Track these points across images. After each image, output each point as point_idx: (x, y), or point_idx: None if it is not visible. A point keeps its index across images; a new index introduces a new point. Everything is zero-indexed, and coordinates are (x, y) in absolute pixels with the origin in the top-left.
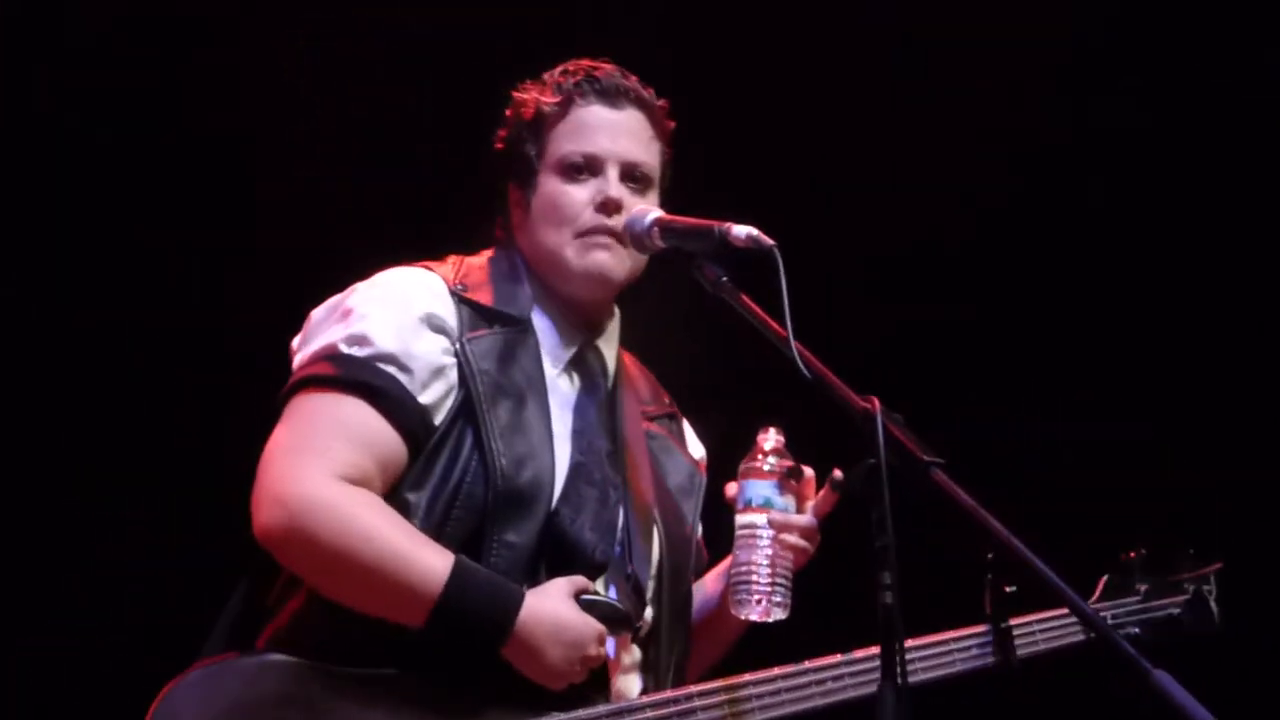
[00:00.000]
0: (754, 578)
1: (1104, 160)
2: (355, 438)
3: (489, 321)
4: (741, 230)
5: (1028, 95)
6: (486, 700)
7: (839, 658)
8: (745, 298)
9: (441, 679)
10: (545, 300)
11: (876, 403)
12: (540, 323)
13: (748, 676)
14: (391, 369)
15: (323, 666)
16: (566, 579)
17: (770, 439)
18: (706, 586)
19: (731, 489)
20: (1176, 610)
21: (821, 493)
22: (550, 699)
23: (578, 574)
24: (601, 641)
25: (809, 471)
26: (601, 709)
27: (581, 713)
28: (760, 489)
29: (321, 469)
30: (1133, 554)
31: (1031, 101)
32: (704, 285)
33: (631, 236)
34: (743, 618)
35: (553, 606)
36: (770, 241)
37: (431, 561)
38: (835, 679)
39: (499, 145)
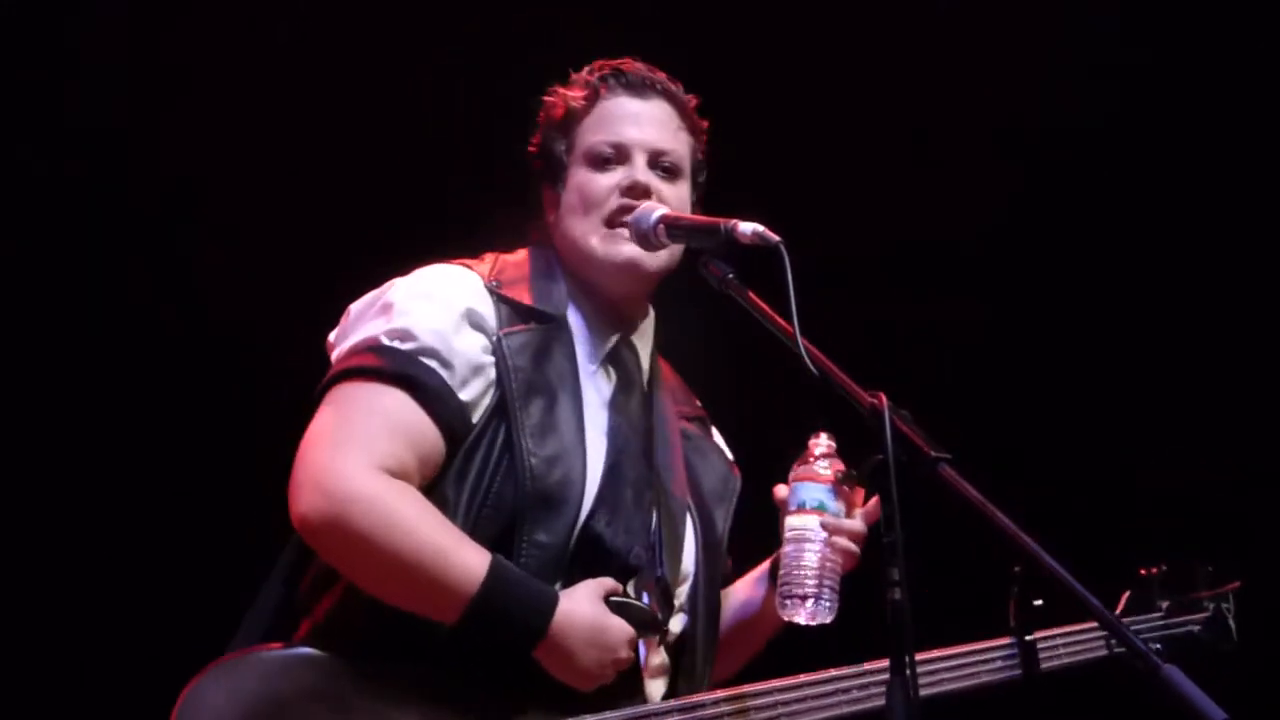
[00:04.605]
0: (804, 580)
1: (1109, 155)
2: (397, 430)
3: (524, 318)
4: (748, 227)
5: (1031, 91)
6: (517, 700)
7: (847, 670)
8: (752, 295)
9: (472, 678)
10: (581, 297)
11: (883, 398)
12: (576, 320)
13: (754, 687)
14: (434, 363)
15: (353, 663)
16: (596, 581)
17: (822, 444)
18: (741, 592)
19: (782, 491)
20: (1197, 628)
21: (872, 501)
22: (580, 701)
23: (609, 576)
24: (632, 645)
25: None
26: (628, 711)
27: (611, 715)
28: (814, 492)
29: (364, 460)
30: (1153, 570)
31: (1035, 98)
32: (710, 282)
33: (638, 234)
34: (788, 619)
35: (585, 609)
36: (776, 238)
37: (470, 559)
38: (844, 691)
39: (532, 150)
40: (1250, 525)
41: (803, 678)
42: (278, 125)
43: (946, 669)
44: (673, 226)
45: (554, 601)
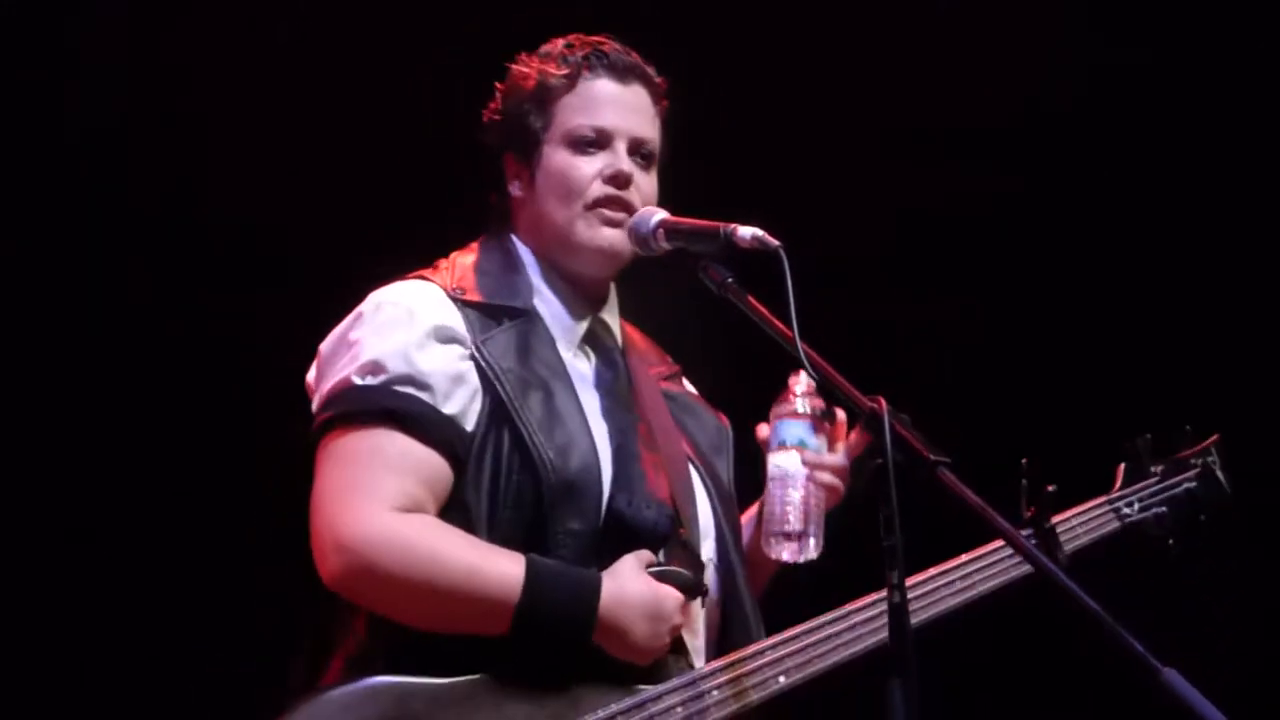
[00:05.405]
0: (788, 518)
1: (1109, 155)
2: (396, 466)
3: (496, 319)
4: (747, 231)
5: (1031, 91)
6: (577, 684)
7: (843, 609)
8: (752, 299)
9: (532, 672)
10: (548, 282)
11: (883, 402)
12: (545, 307)
13: (749, 649)
14: (410, 389)
15: (418, 683)
16: (633, 555)
17: (801, 381)
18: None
19: (763, 430)
20: (1193, 485)
21: (853, 434)
22: (637, 671)
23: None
24: (682, 609)
25: (841, 413)
26: (675, 682)
27: (673, 681)
28: (794, 429)
29: (373, 505)
30: (1137, 439)
31: (1035, 98)
32: (710, 287)
33: (636, 238)
34: (775, 558)
35: (631, 585)
36: (776, 242)
37: (505, 568)
38: (837, 634)
39: (495, 116)
40: (1249, 526)
41: (799, 629)
42: (278, 125)
43: (976, 570)
44: (672, 231)
45: (598, 585)
